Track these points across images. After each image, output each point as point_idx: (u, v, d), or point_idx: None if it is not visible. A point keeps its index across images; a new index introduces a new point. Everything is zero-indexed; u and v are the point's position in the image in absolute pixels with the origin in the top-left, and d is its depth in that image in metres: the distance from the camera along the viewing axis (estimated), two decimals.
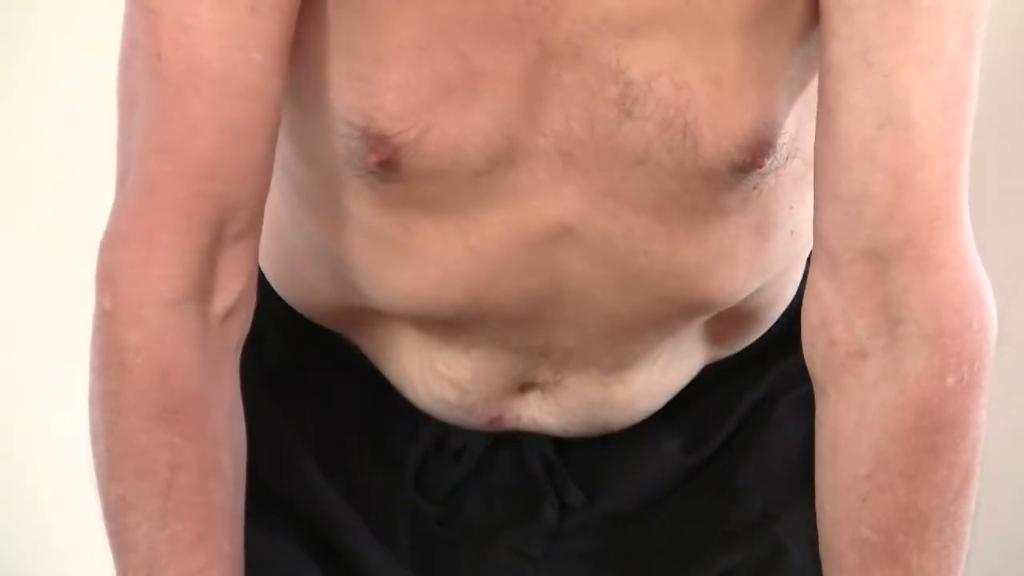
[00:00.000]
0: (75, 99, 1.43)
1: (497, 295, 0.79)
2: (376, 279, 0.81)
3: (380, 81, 0.72)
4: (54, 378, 1.49)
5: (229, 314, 0.73)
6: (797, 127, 0.77)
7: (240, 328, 0.75)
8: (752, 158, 0.74)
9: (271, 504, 0.84)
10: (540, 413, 0.87)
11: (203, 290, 0.71)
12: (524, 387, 0.86)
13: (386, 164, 0.74)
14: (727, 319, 0.87)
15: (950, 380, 0.71)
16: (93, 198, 1.38)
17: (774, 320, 0.90)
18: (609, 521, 0.90)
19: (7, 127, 1.47)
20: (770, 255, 0.82)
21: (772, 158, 0.75)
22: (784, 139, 0.76)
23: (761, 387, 0.91)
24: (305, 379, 0.92)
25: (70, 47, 1.43)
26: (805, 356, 0.76)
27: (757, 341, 0.90)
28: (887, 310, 0.72)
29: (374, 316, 0.86)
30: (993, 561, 1.51)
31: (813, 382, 0.76)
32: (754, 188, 0.77)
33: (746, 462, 0.91)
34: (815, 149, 0.74)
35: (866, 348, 0.73)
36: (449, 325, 0.82)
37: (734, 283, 0.82)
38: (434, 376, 0.86)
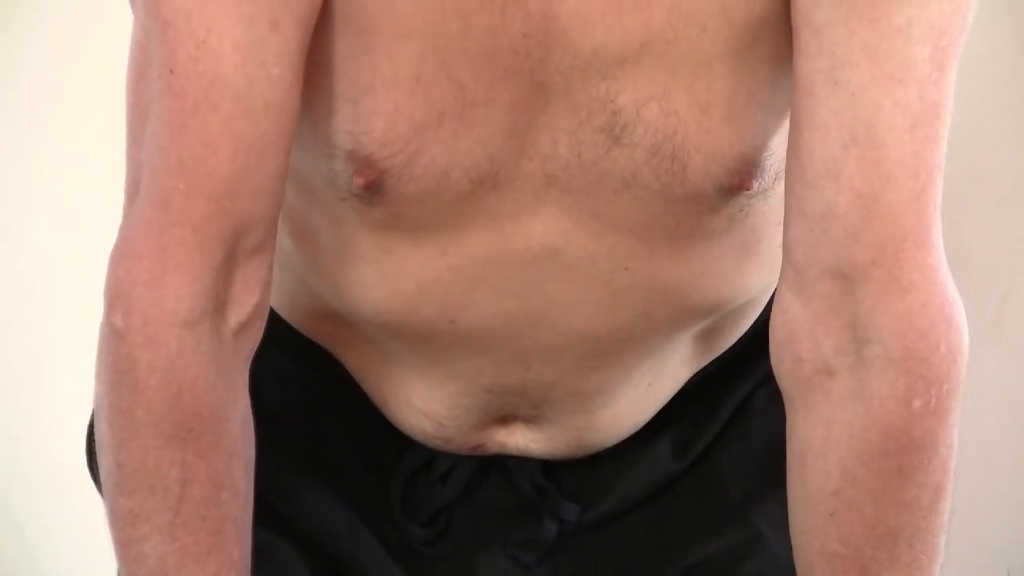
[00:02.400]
0: (79, 100, 1.43)
1: (473, 314, 0.79)
2: (349, 295, 0.81)
3: (371, 107, 0.71)
4: (59, 376, 1.50)
5: (243, 327, 0.72)
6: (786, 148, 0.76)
7: (253, 338, 0.74)
8: (740, 180, 0.74)
9: (266, 511, 0.84)
10: (524, 441, 0.87)
11: (217, 306, 0.70)
12: (504, 419, 0.86)
13: (371, 187, 0.73)
14: (712, 331, 0.87)
15: (916, 404, 0.70)
16: (95, 201, 1.39)
17: (755, 317, 0.90)
18: (599, 527, 0.90)
19: (11, 129, 1.46)
20: (755, 270, 0.83)
21: (760, 180, 0.76)
22: (773, 160, 0.76)
23: (746, 383, 0.91)
24: (293, 390, 0.91)
25: (73, 48, 1.43)
26: (774, 369, 0.76)
27: (740, 339, 0.90)
28: (854, 330, 0.71)
29: (348, 332, 0.86)
30: (996, 559, 1.52)
31: (783, 394, 0.76)
32: (740, 210, 0.77)
33: (728, 453, 0.91)
34: (786, 164, 0.73)
35: (832, 367, 0.72)
36: (423, 346, 0.82)
37: (720, 296, 0.82)
38: (410, 409, 0.86)
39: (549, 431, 0.87)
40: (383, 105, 0.71)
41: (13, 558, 1.57)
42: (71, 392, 1.45)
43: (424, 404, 0.85)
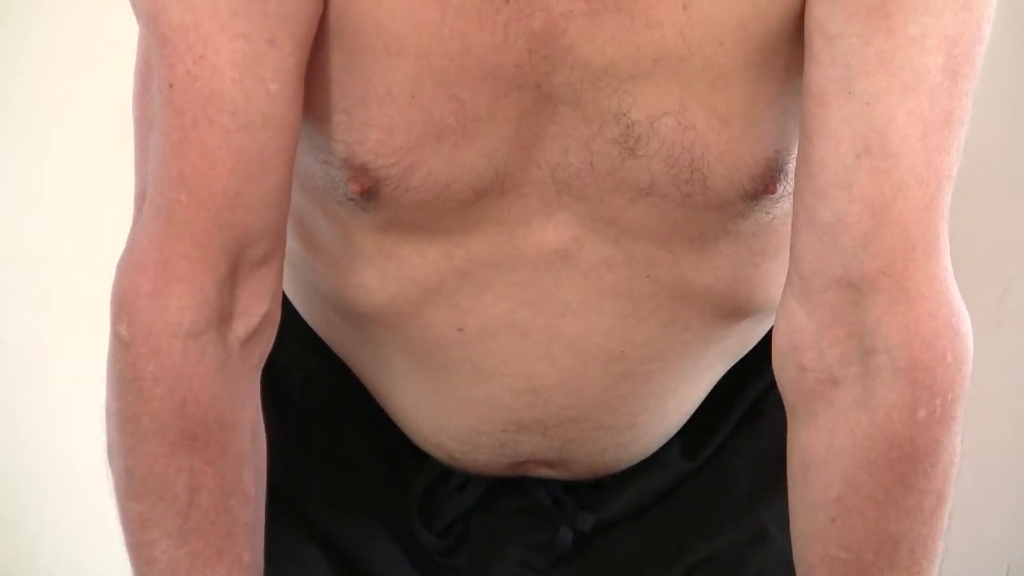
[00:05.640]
0: (83, 100, 1.43)
1: (482, 322, 0.78)
2: (353, 298, 0.80)
3: (365, 119, 0.71)
4: (62, 369, 1.50)
5: (251, 336, 0.72)
6: None
7: (263, 346, 0.74)
8: (765, 185, 0.74)
9: (289, 510, 0.85)
10: (546, 473, 0.87)
11: (222, 317, 0.71)
12: (522, 464, 0.85)
13: (366, 194, 0.73)
14: (740, 337, 0.87)
15: (921, 413, 0.70)
16: (98, 197, 1.39)
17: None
18: (610, 529, 0.90)
19: (13, 126, 1.46)
20: (781, 271, 0.79)
21: (784, 183, 0.75)
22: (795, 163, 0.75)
23: (759, 385, 0.91)
24: (318, 387, 0.91)
25: (75, 47, 1.43)
26: (776, 377, 0.76)
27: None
28: (860, 340, 0.71)
29: (360, 351, 0.86)
30: (997, 554, 1.52)
31: (784, 401, 0.76)
32: (767, 213, 0.77)
33: (739, 453, 0.91)
34: (795, 173, 0.73)
35: (837, 376, 0.72)
36: (431, 362, 0.81)
37: (751, 302, 0.81)
38: (421, 438, 0.86)
39: (575, 468, 0.86)
40: (377, 118, 0.71)
41: (13, 550, 1.57)
42: (74, 386, 1.45)
43: (433, 435, 0.85)
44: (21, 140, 1.46)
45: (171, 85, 0.68)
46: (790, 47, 0.71)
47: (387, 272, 0.78)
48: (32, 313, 1.53)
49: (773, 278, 0.81)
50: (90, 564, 1.54)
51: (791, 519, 0.76)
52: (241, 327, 0.72)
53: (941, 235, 0.70)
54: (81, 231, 1.47)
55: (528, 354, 0.79)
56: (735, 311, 0.81)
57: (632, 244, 0.76)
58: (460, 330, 0.79)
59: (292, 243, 0.82)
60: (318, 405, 0.91)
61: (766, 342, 0.87)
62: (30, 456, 1.56)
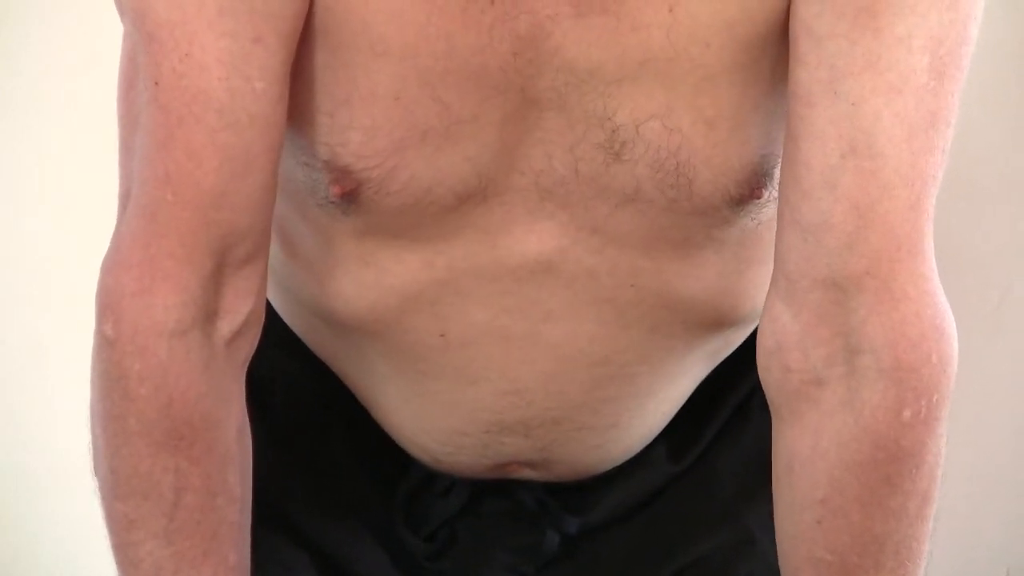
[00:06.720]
0: (81, 99, 1.43)
1: (464, 330, 0.78)
2: (331, 306, 0.80)
3: (348, 121, 0.71)
4: (62, 368, 1.50)
5: (236, 335, 0.72)
6: None
7: (248, 345, 0.74)
8: (751, 190, 0.74)
9: (275, 515, 0.85)
10: (529, 475, 0.87)
11: (208, 315, 0.71)
12: (505, 466, 0.85)
13: (347, 197, 0.73)
14: (723, 347, 0.87)
15: (907, 414, 0.70)
16: (97, 195, 1.39)
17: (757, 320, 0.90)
18: (596, 532, 0.90)
19: (13, 125, 1.47)
20: (766, 277, 0.80)
21: (770, 188, 0.75)
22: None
23: (744, 387, 0.91)
24: (301, 395, 0.91)
25: (66, 57, 1.43)
26: (760, 378, 0.75)
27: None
28: (846, 340, 0.71)
29: (344, 354, 0.86)
30: (995, 559, 1.52)
31: (768, 402, 0.75)
32: (752, 219, 0.76)
33: (724, 455, 0.91)
34: (780, 174, 0.73)
35: (822, 377, 0.72)
36: (413, 368, 0.81)
37: (736, 311, 0.81)
38: (404, 439, 0.86)
39: (557, 469, 0.86)
40: (360, 119, 0.71)
41: (13, 550, 1.57)
42: (74, 386, 1.45)
43: (416, 437, 0.85)
44: (21, 140, 1.46)
45: (157, 83, 0.67)
46: (776, 49, 0.71)
47: (366, 279, 0.77)
48: (32, 313, 1.53)
49: (758, 286, 0.81)
50: (90, 564, 1.54)
51: (776, 521, 0.76)
52: (226, 326, 0.72)
53: (926, 236, 0.70)
54: (81, 231, 1.46)
55: (511, 359, 0.79)
56: (720, 319, 0.81)
57: (616, 253, 0.76)
58: (441, 336, 0.79)
59: (272, 248, 0.82)
60: (300, 409, 0.91)
61: (749, 346, 0.87)
62: (30, 456, 1.56)
